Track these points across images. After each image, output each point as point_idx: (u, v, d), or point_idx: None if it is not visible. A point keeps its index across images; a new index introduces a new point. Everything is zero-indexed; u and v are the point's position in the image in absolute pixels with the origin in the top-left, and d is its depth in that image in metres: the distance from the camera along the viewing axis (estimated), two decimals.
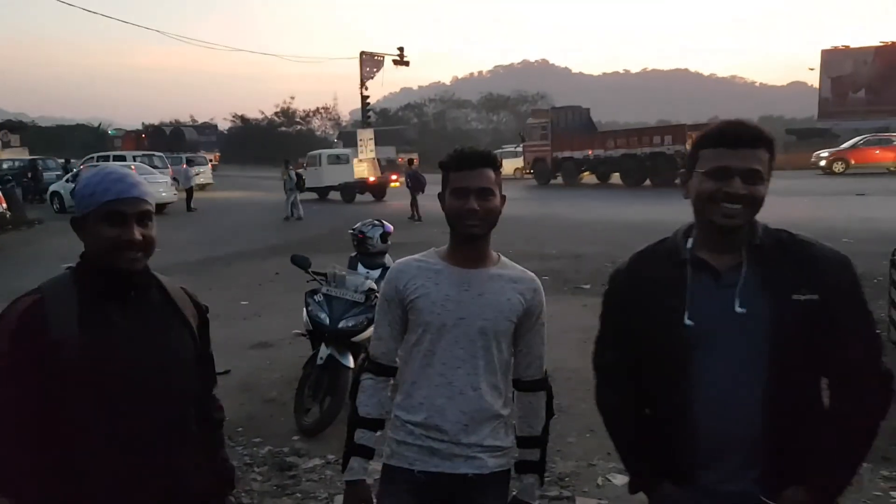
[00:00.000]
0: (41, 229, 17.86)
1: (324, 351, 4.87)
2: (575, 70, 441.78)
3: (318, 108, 63.48)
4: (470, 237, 2.00)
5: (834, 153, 29.68)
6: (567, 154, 31.73)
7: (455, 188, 1.98)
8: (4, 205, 17.47)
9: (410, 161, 22.72)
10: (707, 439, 1.67)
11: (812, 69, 42.86)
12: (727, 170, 1.62)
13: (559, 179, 32.20)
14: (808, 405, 1.68)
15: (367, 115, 35.26)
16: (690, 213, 1.75)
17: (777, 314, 1.62)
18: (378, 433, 2.10)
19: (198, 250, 13.71)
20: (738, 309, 1.63)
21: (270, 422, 5.12)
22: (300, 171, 22.61)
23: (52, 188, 23.20)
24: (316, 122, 63.23)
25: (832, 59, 41.91)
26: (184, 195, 22.63)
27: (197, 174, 25.65)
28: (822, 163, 29.23)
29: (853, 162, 28.92)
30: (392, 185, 26.54)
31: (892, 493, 3.71)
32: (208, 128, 55.19)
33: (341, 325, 4.87)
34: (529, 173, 33.79)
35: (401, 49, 35.50)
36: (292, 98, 77.37)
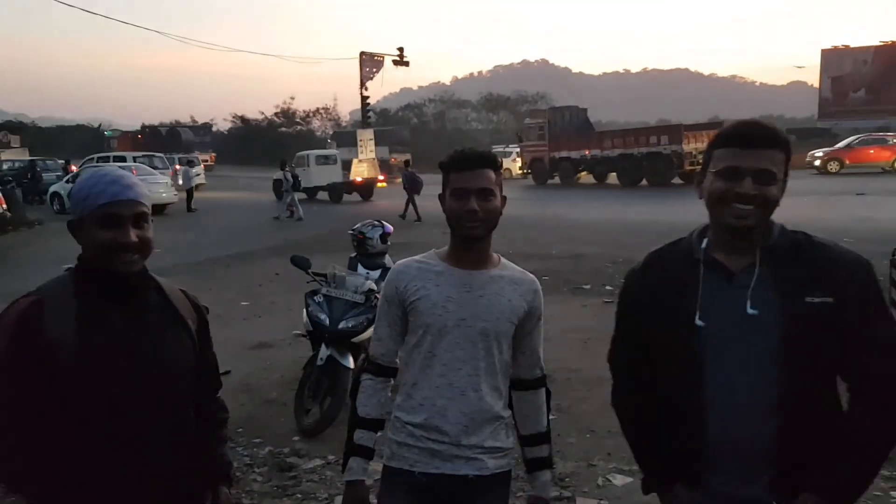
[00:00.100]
0: (41, 230, 17.86)
1: (324, 352, 4.86)
2: (575, 70, 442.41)
3: (318, 109, 63.36)
4: (470, 238, 2.00)
5: (828, 153, 29.64)
6: (564, 154, 31.80)
7: (455, 189, 1.97)
8: (4, 205, 17.47)
9: (407, 162, 22.72)
10: (718, 443, 1.65)
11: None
12: (738, 170, 1.60)
13: (556, 179, 32.25)
14: (823, 410, 1.64)
15: (367, 115, 35.26)
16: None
17: (789, 317, 1.59)
18: (378, 434, 2.10)
19: (198, 251, 13.72)
20: (749, 310, 1.61)
21: (270, 422, 5.12)
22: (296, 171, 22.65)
23: (51, 189, 23.19)
24: (316, 123, 63.18)
25: (832, 58, 41.92)
26: (184, 195, 22.63)
27: (197, 174, 25.65)
28: (817, 162, 29.16)
29: (848, 162, 28.90)
30: (379, 185, 26.63)
31: (892, 492, 3.70)
32: (203, 128, 55.46)
33: (341, 325, 4.87)
34: (525, 173, 33.83)
35: (400, 49, 35.49)
36: (292, 98, 77.16)
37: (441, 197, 2.04)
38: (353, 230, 5.65)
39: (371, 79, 34.82)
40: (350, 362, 4.82)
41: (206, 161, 39.66)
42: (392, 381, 2.14)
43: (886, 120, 36.10)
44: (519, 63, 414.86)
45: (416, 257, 2.11)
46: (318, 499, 3.96)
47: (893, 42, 40.10)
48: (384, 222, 5.68)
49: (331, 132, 49.72)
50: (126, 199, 1.63)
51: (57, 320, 1.57)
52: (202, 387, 1.87)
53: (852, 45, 42.22)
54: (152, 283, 1.76)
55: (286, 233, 17.03)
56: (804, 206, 15.47)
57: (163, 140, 45.42)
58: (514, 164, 34.87)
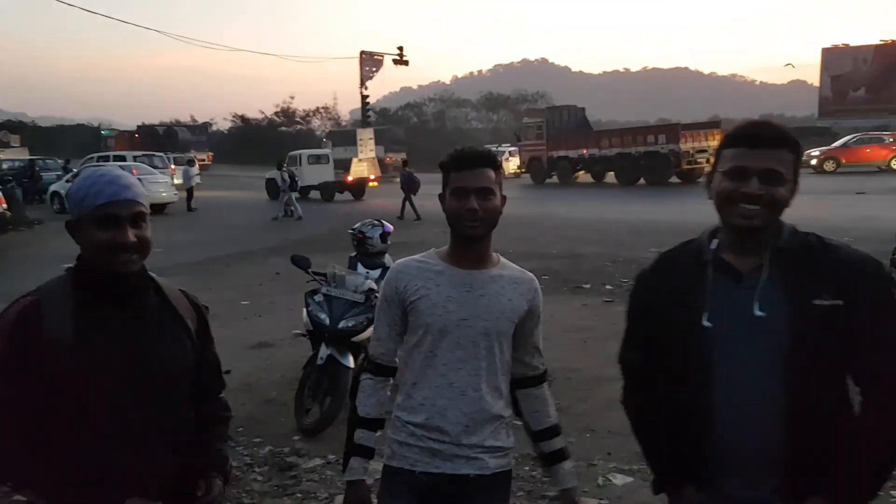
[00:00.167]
0: (41, 230, 17.83)
1: (324, 351, 4.86)
2: (575, 69, 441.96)
3: (317, 108, 63.31)
4: (470, 238, 2.00)
5: (825, 152, 29.62)
6: (562, 153, 31.84)
7: (455, 188, 1.97)
8: (4, 205, 17.46)
9: (405, 162, 22.72)
10: (726, 444, 1.64)
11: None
12: (745, 170, 1.59)
13: (554, 178, 32.25)
14: (832, 413, 1.62)
15: (367, 114, 35.27)
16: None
17: (797, 319, 1.57)
18: (378, 433, 2.10)
19: (198, 250, 13.71)
20: (756, 312, 1.60)
21: (271, 422, 5.12)
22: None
23: (51, 188, 23.15)
24: (316, 122, 63.13)
25: (832, 57, 41.92)
26: (184, 195, 22.61)
27: (196, 174, 25.64)
28: (813, 161, 29.08)
29: (844, 161, 28.90)
30: (370, 184, 26.69)
31: (893, 492, 3.70)
32: (200, 128, 55.60)
33: (341, 325, 4.87)
34: (521, 172, 33.78)
35: (400, 48, 35.53)
36: (292, 98, 76.93)
37: (441, 196, 2.04)
38: (353, 229, 5.65)
39: (371, 78, 34.89)
40: (350, 362, 4.82)
41: (203, 160, 39.61)
42: (391, 381, 2.13)
43: (886, 119, 36.12)
44: (519, 62, 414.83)
45: (416, 257, 2.10)
46: (318, 498, 3.96)
47: (893, 41, 40.12)
48: (384, 221, 5.68)
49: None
50: (124, 199, 1.63)
51: (56, 320, 1.57)
52: (203, 387, 1.86)
53: (852, 44, 42.23)
54: (151, 283, 1.76)
55: (286, 232, 17.03)
56: (803, 205, 15.36)
57: (159, 139, 45.40)
58: (507, 163, 34.84)
